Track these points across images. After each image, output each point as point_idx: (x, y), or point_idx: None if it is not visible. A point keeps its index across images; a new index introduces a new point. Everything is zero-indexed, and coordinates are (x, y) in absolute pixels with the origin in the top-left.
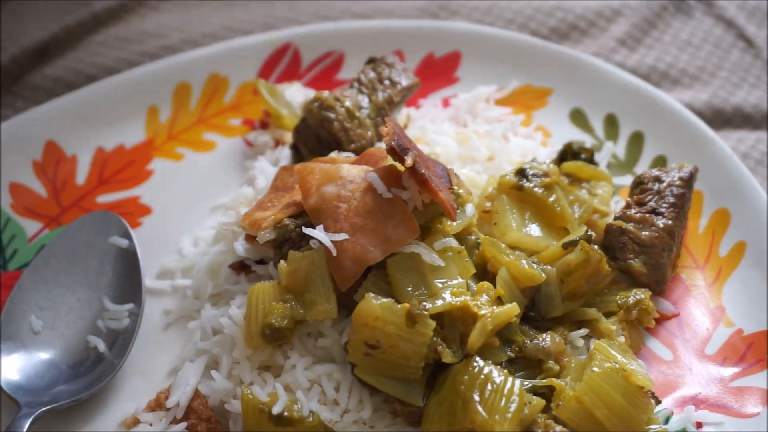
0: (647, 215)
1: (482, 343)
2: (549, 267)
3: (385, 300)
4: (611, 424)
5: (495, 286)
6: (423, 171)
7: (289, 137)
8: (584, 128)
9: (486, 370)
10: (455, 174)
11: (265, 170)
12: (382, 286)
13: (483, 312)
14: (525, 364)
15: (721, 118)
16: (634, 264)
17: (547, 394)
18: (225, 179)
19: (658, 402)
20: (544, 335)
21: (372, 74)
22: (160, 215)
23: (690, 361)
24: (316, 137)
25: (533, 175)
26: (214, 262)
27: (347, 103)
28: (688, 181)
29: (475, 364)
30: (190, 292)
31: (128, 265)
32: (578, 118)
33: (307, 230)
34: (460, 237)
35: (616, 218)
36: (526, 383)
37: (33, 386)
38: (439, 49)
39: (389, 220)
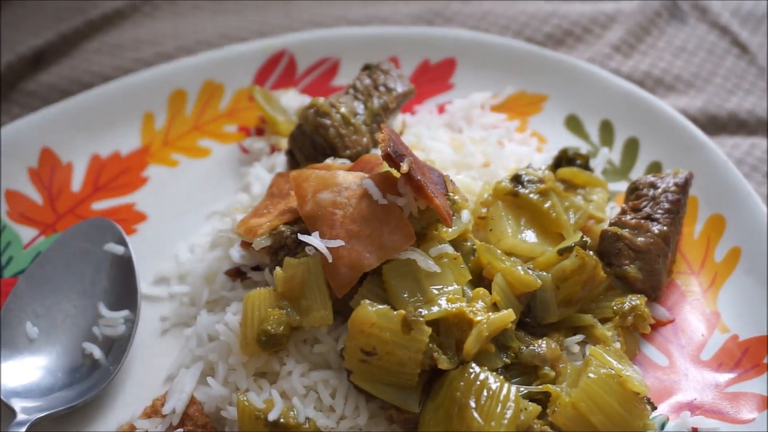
0: (642, 221)
1: (478, 350)
2: (544, 273)
3: (380, 306)
4: (607, 430)
5: (491, 293)
6: (418, 177)
7: (284, 144)
8: (579, 134)
9: (482, 376)
10: (451, 180)
11: (260, 177)
12: (378, 292)
13: (479, 318)
14: (521, 370)
15: (715, 124)
16: (629, 270)
17: (543, 400)
18: (220, 186)
19: (654, 408)
20: (540, 341)
21: (367, 81)
22: (155, 222)
23: (685, 366)
24: (311, 143)
25: (528, 181)
26: (210, 268)
27: (343, 110)
28: (683, 187)
29: (471, 370)
30: (186, 299)
31: (124, 272)
32: (573, 124)
33: (302, 237)
34: (456, 243)
35: (611, 224)
36: (522, 389)
37: (29, 393)
38: (434, 55)
39: (385, 227)
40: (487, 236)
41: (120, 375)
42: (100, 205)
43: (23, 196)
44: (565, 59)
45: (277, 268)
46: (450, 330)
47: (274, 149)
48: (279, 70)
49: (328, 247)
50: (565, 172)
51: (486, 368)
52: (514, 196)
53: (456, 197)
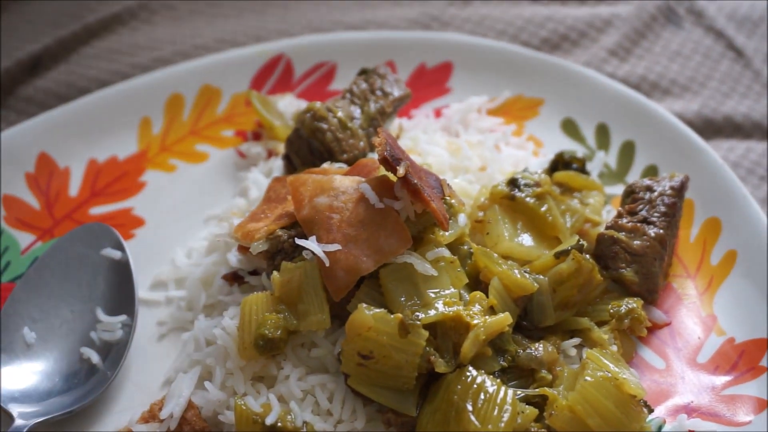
0: (639, 224)
1: (475, 353)
2: (541, 276)
3: (378, 310)
4: None
5: (487, 296)
6: (415, 181)
7: (281, 148)
8: (576, 138)
9: (479, 379)
10: (447, 184)
11: (257, 181)
12: (375, 296)
13: (476, 322)
14: (518, 373)
15: (711, 128)
16: (625, 273)
17: (540, 403)
18: (218, 190)
19: (651, 411)
20: (537, 345)
21: (364, 85)
22: (153, 227)
23: (682, 369)
24: (308, 147)
25: (525, 185)
26: (208, 273)
27: (340, 114)
28: (679, 191)
29: (468, 373)
30: (184, 304)
31: (121, 277)
32: (570, 127)
33: (299, 241)
34: (453, 247)
35: (607, 227)
36: (518, 392)
37: (26, 398)
38: (430, 59)
39: (382, 231)
40: (483, 240)
41: (117, 379)
42: (97, 210)
43: (21, 201)
44: (561, 63)
45: (275, 273)
46: (447, 333)
47: (271, 154)
48: (276, 74)
49: (325, 251)
50: (561, 175)
51: (483, 371)
52: (511, 200)
53: (453, 201)
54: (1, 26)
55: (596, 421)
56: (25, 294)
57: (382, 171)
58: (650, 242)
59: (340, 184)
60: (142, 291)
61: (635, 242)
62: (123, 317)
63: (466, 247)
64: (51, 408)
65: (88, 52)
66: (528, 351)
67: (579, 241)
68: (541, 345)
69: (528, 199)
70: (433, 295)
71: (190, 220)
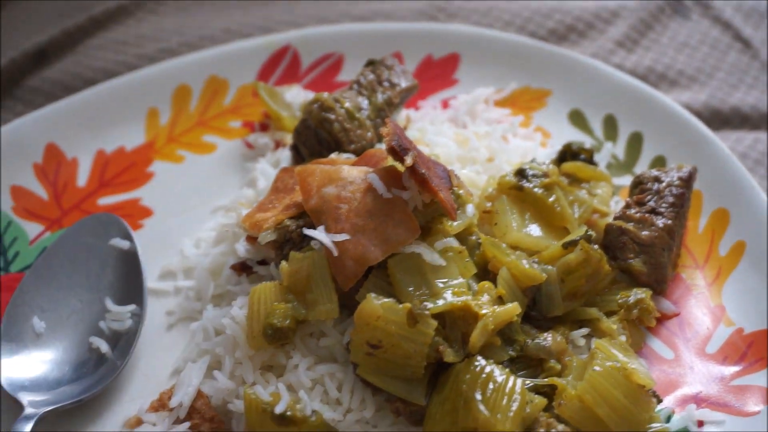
0: (647, 215)
1: (484, 343)
2: (549, 267)
3: (386, 300)
4: (613, 422)
5: (496, 286)
6: (423, 171)
7: (289, 139)
8: (583, 129)
9: (488, 369)
10: (455, 175)
11: (265, 172)
12: (384, 286)
13: (484, 311)
14: (526, 363)
15: (719, 119)
16: (634, 263)
17: (548, 392)
18: (225, 181)
19: (660, 401)
20: (546, 334)
21: (371, 76)
22: (161, 217)
23: (691, 359)
24: (316, 138)
25: (533, 175)
26: (216, 263)
27: (347, 105)
28: (688, 181)
29: (477, 363)
30: (192, 293)
31: (130, 267)
32: (577, 118)
33: (308, 231)
34: (461, 237)
35: (615, 218)
36: (527, 382)
37: (36, 387)
38: (438, 51)
39: (390, 221)
40: (491, 230)
41: (127, 369)
42: (105, 200)
43: (29, 191)
44: (568, 54)
45: (283, 262)
46: (455, 323)
47: (278, 144)
48: (283, 65)
49: (333, 241)
50: (569, 166)
51: (492, 361)
52: (519, 191)
53: (461, 191)
54: (7, 18)
55: (605, 410)
56: (34, 284)
57: (390, 161)
58: (658, 233)
59: (347, 174)
60: (150, 281)
61: (643, 233)
62: (132, 307)
63: (474, 238)
64: (61, 397)
65: (95, 43)
66: (537, 341)
67: (587, 231)
68: (550, 335)
69: (536, 189)
70: (441, 285)
71: (198, 211)
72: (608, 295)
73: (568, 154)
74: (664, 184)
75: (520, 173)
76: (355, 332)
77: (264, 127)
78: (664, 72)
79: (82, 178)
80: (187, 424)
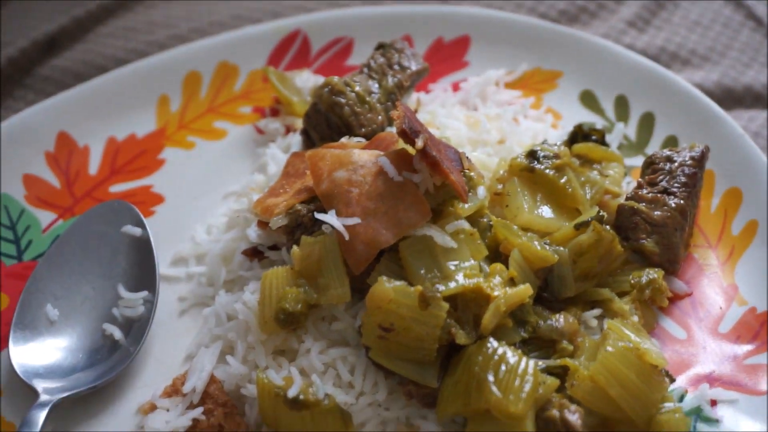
0: (659, 195)
1: (496, 325)
2: (561, 248)
3: (398, 283)
4: (626, 402)
5: (507, 268)
6: (434, 153)
7: (299, 124)
8: (595, 110)
9: (500, 351)
10: (466, 157)
11: (276, 157)
12: (395, 269)
13: (496, 293)
14: (539, 344)
15: (731, 98)
16: (646, 244)
17: (561, 374)
18: (236, 167)
19: (673, 380)
20: (558, 316)
21: (381, 59)
22: (172, 203)
23: (704, 339)
24: (326, 122)
25: (544, 157)
26: (228, 248)
27: (357, 88)
28: (700, 161)
29: (489, 345)
30: (204, 279)
31: (142, 254)
32: (588, 99)
33: (319, 215)
34: (472, 219)
35: (627, 198)
36: (540, 363)
37: (51, 374)
38: (448, 33)
39: (401, 204)
40: (503, 212)
41: (140, 355)
42: (117, 187)
43: (41, 180)
44: (579, 35)
45: (294, 247)
46: (467, 305)
47: (289, 129)
48: (293, 50)
49: (344, 225)
50: (580, 147)
51: (504, 343)
52: (530, 172)
53: (472, 174)
54: (18, 7)
55: (618, 391)
56: (48, 272)
57: (401, 145)
58: (671, 213)
59: (358, 158)
60: (162, 267)
61: (656, 213)
62: (144, 293)
63: (485, 220)
64: (75, 383)
65: (105, 30)
66: (549, 322)
67: (599, 212)
68: (562, 316)
69: (547, 171)
70: (453, 268)
71: (209, 197)
72: (620, 276)
73: (579, 135)
74: (676, 163)
75: (532, 155)
76: (367, 316)
77: (274, 112)
78: (676, 51)
79: (94, 166)
80: (200, 409)
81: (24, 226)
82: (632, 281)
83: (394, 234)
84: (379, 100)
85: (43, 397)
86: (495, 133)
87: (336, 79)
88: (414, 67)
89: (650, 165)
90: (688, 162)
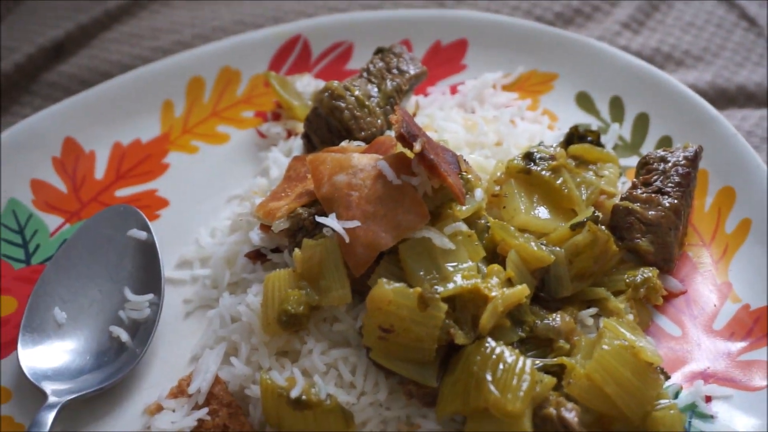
0: (653, 195)
1: (494, 325)
2: (557, 248)
3: (397, 285)
4: (622, 400)
5: (505, 269)
6: (432, 157)
7: (300, 128)
8: (590, 111)
9: (498, 350)
10: (464, 160)
11: (278, 161)
12: (395, 271)
13: (494, 294)
14: (536, 343)
15: (724, 98)
16: (641, 243)
17: (558, 372)
18: (239, 170)
19: (668, 377)
20: (554, 315)
21: (380, 64)
22: (177, 207)
23: (698, 336)
24: (326, 126)
25: (540, 158)
26: (231, 251)
27: (357, 93)
28: (693, 161)
29: (487, 345)
30: (209, 282)
31: (148, 257)
32: (584, 101)
33: (320, 218)
34: (470, 221)
35: (622, 199)
36: (537, 362)
37: (59, 376)
38: (445, 37)
39: (400, 207)
40: (500, 214)
41: (146, 357)
42: (122, 192)
43: (48, 185)
44: (574, 37)
45: (296, 250)
46: (466, 306)
47: (290, 133)
48: (294, 55)
49: (344, 228)
50: (576, 148)
51: (501, 342)
52: (527, 174)
53: (469, 176)
54: (24, 14)
55: (614, 388)
56: (55, 275)
57: (400, 148)
58: (665, 212)
59: (358, 161)
60: (167, 270)
61: (650, 212)
62: (150, 296)
63: (483, 221)
64: (83, 385)
65: (110, 36)
66: (546, 321)
67: (594, 212)
68: (559, 315)
69: (543, 172)
70: (451, 269)
71: (213, 201)
72: (616, 275)
73: (575, 136)
74: (670, 164)
75: (528, 157)
76: (367, 317)
77: (276, 117)
78: (670, 52)
79: (100, 171)
80: (205, 410)
81: (32, 231)
82: (627, 280)
83: (393, 236)
84: (379, 104)
85: (52, 399)
86: (492, 136)
87: (336, 83)
88: (412, 70)
89: (644, 165)
90: (682, 162)
